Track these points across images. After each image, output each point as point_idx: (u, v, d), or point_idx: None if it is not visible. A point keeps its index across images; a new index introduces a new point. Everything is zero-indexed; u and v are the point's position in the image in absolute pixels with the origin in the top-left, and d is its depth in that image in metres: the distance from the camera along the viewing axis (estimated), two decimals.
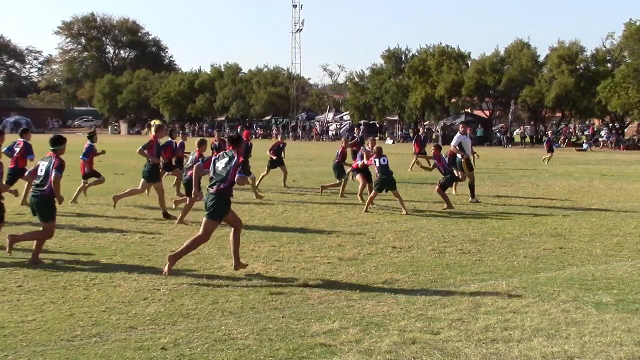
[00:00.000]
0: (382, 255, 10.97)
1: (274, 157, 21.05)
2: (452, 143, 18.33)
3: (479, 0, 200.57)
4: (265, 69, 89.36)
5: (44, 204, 10.35)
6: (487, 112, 68.42)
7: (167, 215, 14.71)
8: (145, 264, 10.30)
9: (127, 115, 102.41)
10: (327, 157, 37.86)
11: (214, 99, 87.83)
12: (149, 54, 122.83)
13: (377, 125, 74.86)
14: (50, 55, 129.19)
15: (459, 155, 18.07)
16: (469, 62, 66.53)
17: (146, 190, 15.87)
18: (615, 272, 9.79)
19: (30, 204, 10.68)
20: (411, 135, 68.11)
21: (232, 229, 9.89)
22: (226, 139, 10.93)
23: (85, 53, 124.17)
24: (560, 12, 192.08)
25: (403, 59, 73.76)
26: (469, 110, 68.04)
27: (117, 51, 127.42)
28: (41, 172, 10.43)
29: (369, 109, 74.50)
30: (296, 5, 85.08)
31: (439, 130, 62.29)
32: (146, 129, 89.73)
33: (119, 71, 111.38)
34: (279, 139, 22.89)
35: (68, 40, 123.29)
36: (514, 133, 65.94)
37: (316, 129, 75.48)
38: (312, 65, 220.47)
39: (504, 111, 68.25)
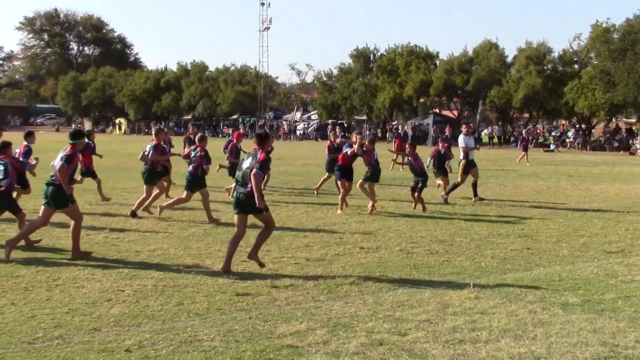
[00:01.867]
0: (350, 256, 10.94)
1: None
2: (461, 144, 18.33)
3: (447, 0, 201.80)
4: (233, 68, 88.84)
5: (56, 192, 10.48)
6: (456, 113, 68.78)
7: (134, 215, 14.59)
8: (110, 264, 10.15)
9: (91, 113, 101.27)
10: (294, 156, 37.87)
11: (180, 97, 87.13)
12: (114, 51, 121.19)
13: (345, 125, 74.86)
14: (12, 52, 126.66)
15: (466, 150, 18.13)
16: (437, 62, 66.76)
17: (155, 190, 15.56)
18: (581, 273, 9.87)
19: (44, 192, 10.71)
20: (379, 135, 68.31)
21: (237, 232, 9.97)
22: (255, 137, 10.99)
23: (48, 49, 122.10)
24: (528, 12, 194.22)
25: (371, 58, 73.65)
26: (437, 111, 68.28)
27: (81, 48, 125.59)
28: (56, 163, 10.62)
29: (337, 109, 74.41)
30: (264, 3, 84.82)
31: (407, 130, 62.49)
32: (111, 127, 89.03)
33: (83, 68, 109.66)
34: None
35: (30, 36, 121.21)
36: (482, 133, 66.34)
37: (284, 129, 75.35)
38: (280, 64, 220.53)
39: (472, 111, 68.54)
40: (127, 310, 7.79)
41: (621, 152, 50.10)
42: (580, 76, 54.01)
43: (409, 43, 68.45)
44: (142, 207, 14.79)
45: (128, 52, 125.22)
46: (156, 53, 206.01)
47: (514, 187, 22.22)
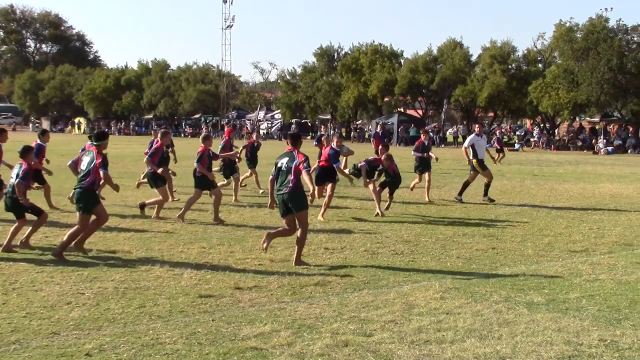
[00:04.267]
0: (315, 257, 10.86)
1: (245, 157, 20.00)
2: (465, 144, 18.20)
3: None
4: (195, 66, 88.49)
5: (84, 196, 10.56)
6: (420, 112, 69.11)
7: (142, 208, 14.58)
8: (69, 266, 9.94)
9: (49, 113, 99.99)
10: (258, 156, 37.57)
11: (141, 96, 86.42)
12: (73, 49, 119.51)
13: (309, 124, 74.83)
14: None
15: (470, 157, 18.00)
16: (402, 61, 67.04)
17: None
18: (546, 272, 9.91)
19: (72, 195, 10.90)
20: (343, 134, 68.36)
21: (288, 231, 10.56)
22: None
23: (4, 47, 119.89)
24: (493, 11, 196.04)
25: (335, 57, 73.63)
26: (402, 110, 68.53)
27: (38, 45, 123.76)
28: (83, 167, 10.69)
29: (300, 108, 74.29)
30: (226, 1, 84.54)
31: (371, 129, 62.57)
32: (70, 126, 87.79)
33: (40, 66, 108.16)
34: (253, 137, 21.24)
35: None
36: (447, 133, 66.73)
37: (247, 128, 74.99)
38: (243, 62, 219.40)
39: (436, 111, 68.92)
40: (87, 314, 7.63)
41: (585, 151, 50.85)
42: (544, 75, 54.62)
43: (373, 42, 68.91)
44: (150, 206, 14.72)
45: (87, 49, 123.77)
46: (116, 51, 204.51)
47: (478, 187, 22.19)
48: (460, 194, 18.21)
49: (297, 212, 10.27)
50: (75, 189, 10.74)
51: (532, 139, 58.91)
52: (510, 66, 59.15)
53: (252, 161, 20.05)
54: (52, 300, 8.17)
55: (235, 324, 7.30)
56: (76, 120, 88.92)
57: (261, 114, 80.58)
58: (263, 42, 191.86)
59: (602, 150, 48.72)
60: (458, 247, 11.79)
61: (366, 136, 66.64)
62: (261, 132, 73.51)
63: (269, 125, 76.55)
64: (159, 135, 15.57)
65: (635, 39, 51.62)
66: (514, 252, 11.47)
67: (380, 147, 17.47)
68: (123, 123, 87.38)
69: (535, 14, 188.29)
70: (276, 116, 79.95)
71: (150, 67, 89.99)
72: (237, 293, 8.58)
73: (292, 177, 10.22)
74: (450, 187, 21.67)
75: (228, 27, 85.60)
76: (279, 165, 10.48)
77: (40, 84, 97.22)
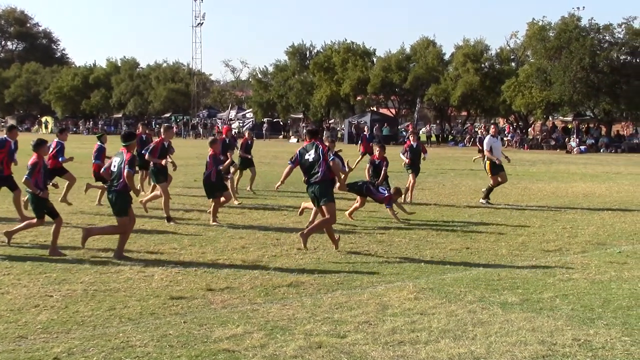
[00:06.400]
0: (287, 257, 10.79)
1: (248, 156, 19.72)
2: (485, 147, 18.09)
3: None
4: (165, 64, 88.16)
5: (118, 198, 10.58)
6: (393, 111, 69.24)
7: (170, 220, 14.23)
8: (37, 269, 9.76)
9: (15, 111, 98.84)
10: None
11: (110, 94, 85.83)
12: (39, 47, 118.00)
13: (281, 124, 74.66)
14: None
15: (489, 156, 17.75)
16: (375, 60, 67.11)
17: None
18: (520, 272, 9.92)
19: (108, 199, 10.94)
20: None
21: (330, 219, 11.03)
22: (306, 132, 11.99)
23: None
24: (466, 10, 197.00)
25: (307, 55, 73.43)
26: (375, 109, 68.59)
27: (3, 43, 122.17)
28: (114, 168, 10.70)
29: (272, 107, 74.13)
30: None
31: (344, 128, 62.60)
32: (37, 125, 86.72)
33: (5, 64, 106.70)
34: (247, 135, 20.92)
35: None
36: (420, 132, 66.96)
37: (218, 127, 74.69)
38: (214, 60, 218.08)
39: (410, 109, 69.08)
40: (56, 317, 7.51)
41: (558, 150, 51.25)
42: (517, 74, 54.86)
43: (346, 40, 68.87)
44: (168, 208, 14.47)
45: (54, 47, 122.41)
46: (84, 49, 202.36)
47: (452, 186, 22.38)
48: (486, 197, 17.93)
49: (324, 203, 10.92)
50: (109, 191, 10.73)
51: (505, 139, 59.27)
52: (483, 65, 59.37)
53: (248, 161, 19.82)
54: (19, 303, 8.02)
55: (207, 326, 7.22)
56: (43, 119, 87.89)
57: (232, 112, 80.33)
58: (234, 40, 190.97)
59: (574, 150, 49.14)
60: (432, 247, 11.77)
61: (339, 135, 66.67)
62: (232, 131, 73.20)
63: (241, 124, 76.27)
64: (161, 130, 15.61)
65: (607, 38, 52.15)
66: (487, 251, 11.48)
67: (378, 149, 16.88)
68: (92, 122, 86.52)
69: (507, 12, 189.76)
70: (248, 115, 79.74)
71: (119, 65, 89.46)
72: (209, 294, 8.50)
73: (321, 167, 10.80)
74: (423, 187, 21.66)
75: (198, 24, 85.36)
76: (306, 157, 10.91)
77: (6, 82, 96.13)
